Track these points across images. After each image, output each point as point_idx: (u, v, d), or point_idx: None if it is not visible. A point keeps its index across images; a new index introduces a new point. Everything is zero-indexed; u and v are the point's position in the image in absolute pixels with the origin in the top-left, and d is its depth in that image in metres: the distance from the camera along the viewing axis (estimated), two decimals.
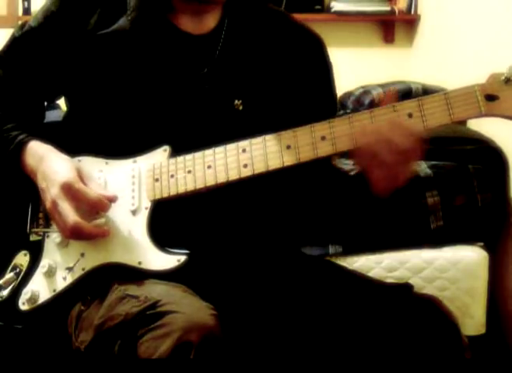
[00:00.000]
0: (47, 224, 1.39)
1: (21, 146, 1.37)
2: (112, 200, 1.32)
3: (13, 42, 1.45)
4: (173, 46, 1.40)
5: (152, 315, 1.18)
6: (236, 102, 1.39)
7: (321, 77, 1.49)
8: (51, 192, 1.30)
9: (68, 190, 1.29)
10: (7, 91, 1.44)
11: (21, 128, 1.40)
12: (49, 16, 1.42)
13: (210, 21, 1.43)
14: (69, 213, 1.28)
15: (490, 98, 1.22)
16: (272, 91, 1.43)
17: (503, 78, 1.22)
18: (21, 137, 1.37)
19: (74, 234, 1.29)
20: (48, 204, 1.31)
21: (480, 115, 1.23)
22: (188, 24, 1.41)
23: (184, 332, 1.13)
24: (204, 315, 1.17)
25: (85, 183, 1.32)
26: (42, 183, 1.33)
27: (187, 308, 1.17)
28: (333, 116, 1.51)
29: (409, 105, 1.25)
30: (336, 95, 1.54)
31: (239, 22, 1.43)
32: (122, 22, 1.40)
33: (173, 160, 1.33)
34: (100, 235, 1.31)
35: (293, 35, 1.47)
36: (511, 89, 1.21)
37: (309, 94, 1.47)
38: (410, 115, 1.24)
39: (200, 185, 1.30)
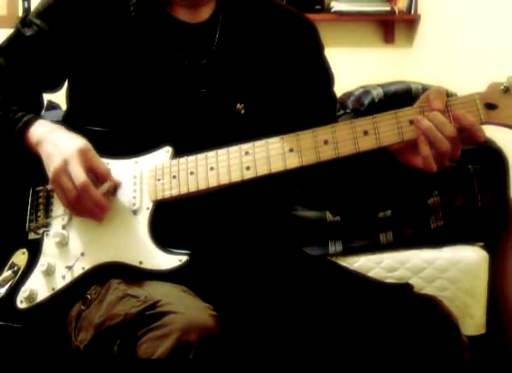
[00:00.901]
0: (47, 221, 1.39)
1: (27, 123, 1.36)
2: (116, 185, 1.33)
3: (19, 37, 1.45)
4: (172, 35, 1.41)
5: (151, 315, 1.18)
6: (239, 106, 1.39)
7: (316, 63, 1.50)
8: (64, 152, 1.30)
9: (84, 155, 1.29)
10: (8, 81, 1.44)
11: (25, 110, 1.40)
12: (50, 10, 1.43)
13: (206, 11, 1.45)
14: (80, 172, 1.28)
15: (490, 106, 1.24)
16: (271, 83, 1.43)
17: (502, 87, 1.24)
18: (28, 116, 1.37)
19: (79, 196, 1.28)
20: (57, 163, 1.29)
21: (480, 123, 1.24)
22: (185, 15, 1.43)
23: (183, 332, 1.12)
24: (203, 316, 1.17)
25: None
26: (50, 148, 1.32)
27: (187, 309, 1.17)
28: (333, 107, 1.53)
29: (412, 111, 1.26)
30: (333, 76, 1.53)
31: (234, 9, 1.45)
32: (124, 16, 1.41)
33: (175, 161, 1.33)
34: (101, 206, 1.30)
35: (287, 22, 1.49)
36: (510, 99, 1.23)
37: (306, 82, 1.47)
38: (411, 122, 1.25)
39: (202, 186, 1.30)
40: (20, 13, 3.59)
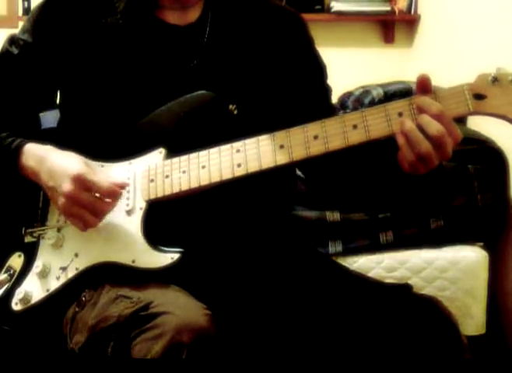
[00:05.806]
0: (43, 224, 1.39)
1: (18, 150, 1.36)
2: (124, 186, 1.32)
3: (7, 57, 1.44)
4: (162, 38, 1.41)
5: (144, 316, 1.18)
6: (231, 106, 1.39)
7: (307, 56, 1.49)
8: (64, 188, 1.28)
9: (82, 183, 1.28)
10: (1, 101, 1.44)
11: (15, 135, 1.39)
12: (37, 25, 1.42)
13: (195, 12, 1.45)
14: (89, 199, 1.27)
15: (478, 97, 1.24)
16: (263, 80, 1.43)
17: (491, 77, 1.24)
18: (17, 142, 1.37)
19: (101, 213, 1.29)
20: (62, 201, 1.29)
21: (468, 113, 1.25)
22: (174, 17, 1.43)
23: (175, 333, 1.13)
24: (196, 316, 1.17)
25: (94, 174, 1.31)
26: (49, 182, 1.32)
27: (180, 309, 1.17)
28: (328, 98, 1.52)
29: (401, 104, 1.26)
30: (325, 68, 1.52)
31: (222, 7, 1.45)
32: (110, 21, 1.40)
33: (168, 161, 1.34)
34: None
35: (275, 17, 1.48)
36: (498, 89, 1.23)
37: (299, 76, 1.46)
38: (400, 114, 1.25)
39: (194, 184, 1.31)
40: (20, 13, 3.59)
